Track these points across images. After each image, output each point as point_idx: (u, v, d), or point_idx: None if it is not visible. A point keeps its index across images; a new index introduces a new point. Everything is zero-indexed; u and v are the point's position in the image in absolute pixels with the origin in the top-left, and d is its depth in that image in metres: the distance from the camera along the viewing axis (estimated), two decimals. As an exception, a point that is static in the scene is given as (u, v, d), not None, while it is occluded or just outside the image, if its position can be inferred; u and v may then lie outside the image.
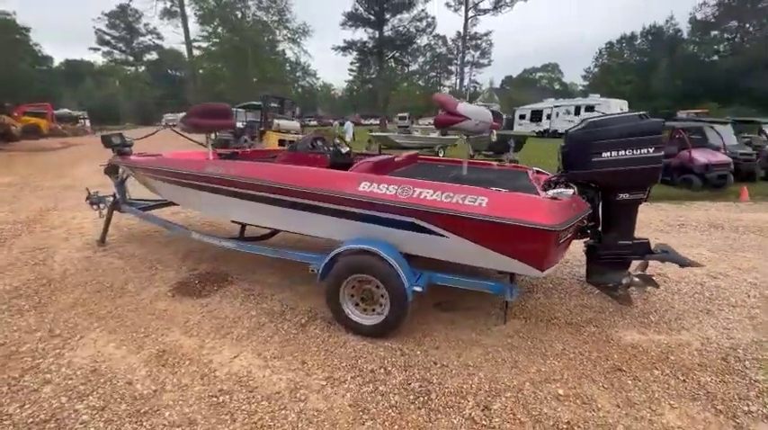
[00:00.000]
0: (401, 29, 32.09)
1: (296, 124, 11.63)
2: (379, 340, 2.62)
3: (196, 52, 32.40)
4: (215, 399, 2.10)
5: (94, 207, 4.88)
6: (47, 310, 3.05)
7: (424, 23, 32.21)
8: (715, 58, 42.23)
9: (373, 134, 15.25)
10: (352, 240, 2.60)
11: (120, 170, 4.68)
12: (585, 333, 2.75)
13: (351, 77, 63.88)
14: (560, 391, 2.16)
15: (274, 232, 4.05)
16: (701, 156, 9.00)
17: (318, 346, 2.58)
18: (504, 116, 37.69)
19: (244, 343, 2.63)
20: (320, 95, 63.30)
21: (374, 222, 2.56)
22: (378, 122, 35.30)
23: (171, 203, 4.78)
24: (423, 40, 34.27)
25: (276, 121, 11.01)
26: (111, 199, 4.59)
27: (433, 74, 62.94)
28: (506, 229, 2.20)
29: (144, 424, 1.93)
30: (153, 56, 59.31)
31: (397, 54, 34.44)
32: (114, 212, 4.62)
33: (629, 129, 2.66)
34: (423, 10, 31.56)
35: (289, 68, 39.21)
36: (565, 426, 1.92)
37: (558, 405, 2.07)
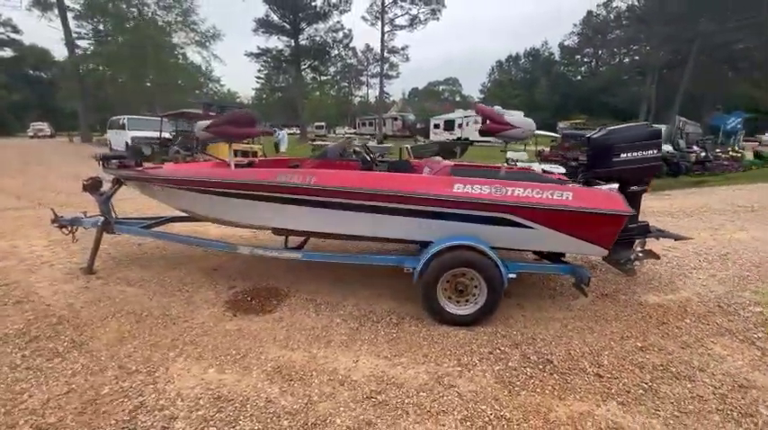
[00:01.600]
0: (317, 38, 32.13)
1: None
2: (474, 328, 2.89)
3: (80, 52, 27.97)
4: (374, 400, 2.15)
5: (65, 230, 4.20)
6: (92, 348, 2.63)
7: (341, 35, 32.75)
8: (579, 77, 51.02)
9: (316, 143, 15.19)
10: (451, 238, 2.82)
11: (108, 185, 4.10)
12: (621, 300, 3.39)
13: (258, 85, 61.33)
14: (638, 344, 2.70)
15: (306, 240, 4.01)
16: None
17: (426, 340, 2.74)
18: (419, 125, 40.26)
19: (352, 348, 2.66)
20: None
21: (466, 220, 2.83)
22: (298, 131, 34.67)
23: (175, 219, 4.38)
24: (337, 51, 34.71)
25: None
26: (99, 219, 3.99)
27: (345, 84, 63.94)
28: (592, 217, 2.68)
29: (324, 433, 1.92)
30: (7, 53, 49.12)
31: (314, 63, 34.34)
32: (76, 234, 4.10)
33: (640, 135, 3.38)
34: (338, 21, 32.10)
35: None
36: (661, 367, 2.44)
37: (644, 354, 2.59)
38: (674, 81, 33.32)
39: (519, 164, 11.32)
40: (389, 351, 2.62)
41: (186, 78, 32.08)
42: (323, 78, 45.88)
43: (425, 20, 31.17)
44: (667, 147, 13.89)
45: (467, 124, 31.91)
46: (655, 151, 3.37)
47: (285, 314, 3.12)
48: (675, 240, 3.62)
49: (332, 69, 43.95)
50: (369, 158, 4.31)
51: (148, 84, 30.25)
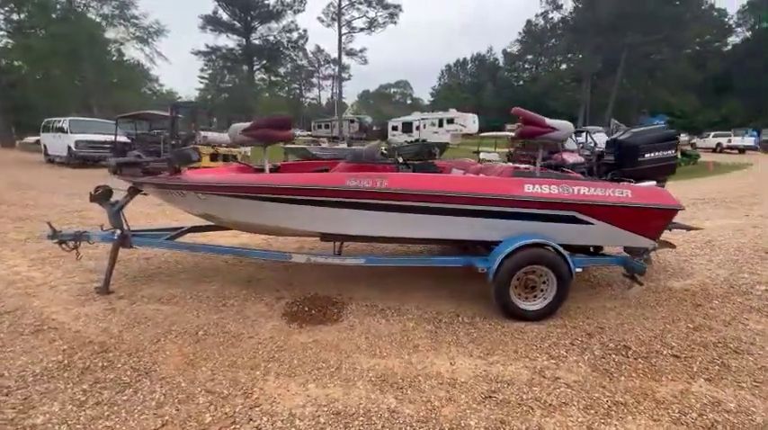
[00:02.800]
0: (270, 38, 31.17)
1: (225, 136, 10.28)
2: (543, 321, 3.01)
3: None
4: (494, 399, 2.18)
5: (65, 246, 3.74)
6: (163, 375, 2.38)
7: (296, 35, 32.03)
8: (521, 82, 54.37)
9: (288, 146, 14.72)
10: (522, 236, 2.92)
11: (124, 195, 3.70)
12: (653, 288, 3.71)
13: (202, 85, 58.07)
14: (690, 325, 2.99)
15: (342, 245, 3.92)
16: (569, 157, 11.88)
17: (507, 337, 2.82)
18: (375, 127, 40.47)
19: (441, 350, 2.66)
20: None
21: (533, 219, 2.95)
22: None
23: (198, 228, 4.07)
24: (292, 52, 33.88)
25: (203, 134, 9.57)
26: (114, 233, 3.58)
27: (296, 85, 62.57)
28: (648, 212, 2.92)
29: (466, 437, 1.92)
30: None
31: (267, 63, 33.24)
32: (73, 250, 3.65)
33: (660, 137, 3.76)
34: (292, 21, 31.36)
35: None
36: (720, 344, 2.73)
37: (699, 333, 2.88)
38: (605, 87, 36.76)
39: (492, 163, 11.89)
40: (479, 350, 2.66)
41: (127, 76, 29.56)
42: (274, 79, 44.59)
43: (384, 23, 31.52)
44: (616, 148, 15.30)
45: (424, 126, 32.70)
46: (672, 151, 3.76)
47: (354, 322, 3.03)
48: (687, 230, 4.04)
49: (281, 70, 42.91)
50: (400, 161, 4.32)
51: (77, 82, 27.46)
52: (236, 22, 30.42)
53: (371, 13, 31.15)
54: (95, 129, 14.39)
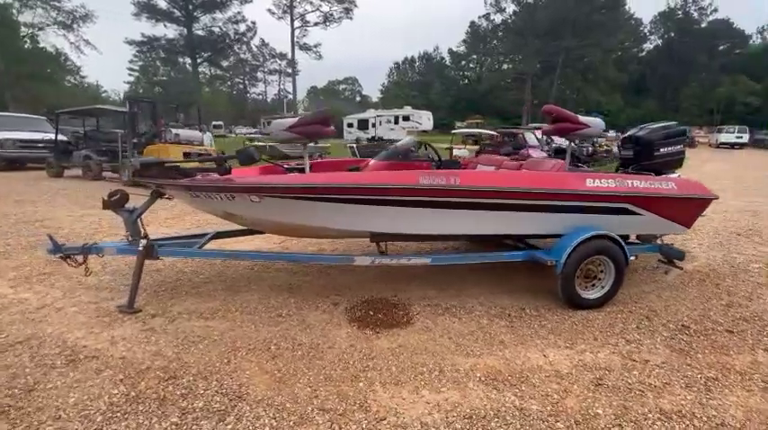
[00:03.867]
0: (215, 29, 29.30)
1: (198, 134, 9.40)
2: (602, 309, 3.18)
3: None
4: (605, 386, 2.26)
5: (70, 262, 3.28)
6: (259, 397, 2.16)
7: (243, 27, 30.39)
8: (467, 81, 56.51)
9: (260, 143, 14.05)
10: (584, 229, 3.03)
11: (145, 201, 3.28)
12: (670, 270, 4.06)
13: (132, 78, 53.26)
14: (722, 302, 3.34)
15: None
16: (533, 153, 12.65)
17: (580, 326, 2.93)
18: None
19: (528, 343, 2.70)
20: (94, 98, 50.19)
21: (590, 212, 3.10)
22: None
23: (222, 234, 3.72)
24: (239, 45, 32.15)
25: (174, 131, 8.66)
26: (140, 243, 3.17)
27: (239, 80, 59.61)
28: (689, 202, 3.19)
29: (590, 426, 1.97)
30: None
31: (211, 56, 31.22)
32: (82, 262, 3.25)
33: (672, 133, 4.10)
34: (239, 12, 29.71)
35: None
36: (756, 316, 3.07)
37: (733, 309, 3.22)
38: (545, 87, 39.46)
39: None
40: (562, 340, 2.74)
41: (43, 66, 26.15)
42: (218, 73, 42.09)
43: (339, 18, 30.97)
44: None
45: (380, 123, 32.80)
46: (681, 146, 4.12)
47: (428, 323, 2.97)
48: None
49: (224, 63, 40.64)
50: (435, 159, 4.31)
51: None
52: (175, 11, 28.13)
53: (325, 7, 30.49)
54: (23, 126, 12.58)
